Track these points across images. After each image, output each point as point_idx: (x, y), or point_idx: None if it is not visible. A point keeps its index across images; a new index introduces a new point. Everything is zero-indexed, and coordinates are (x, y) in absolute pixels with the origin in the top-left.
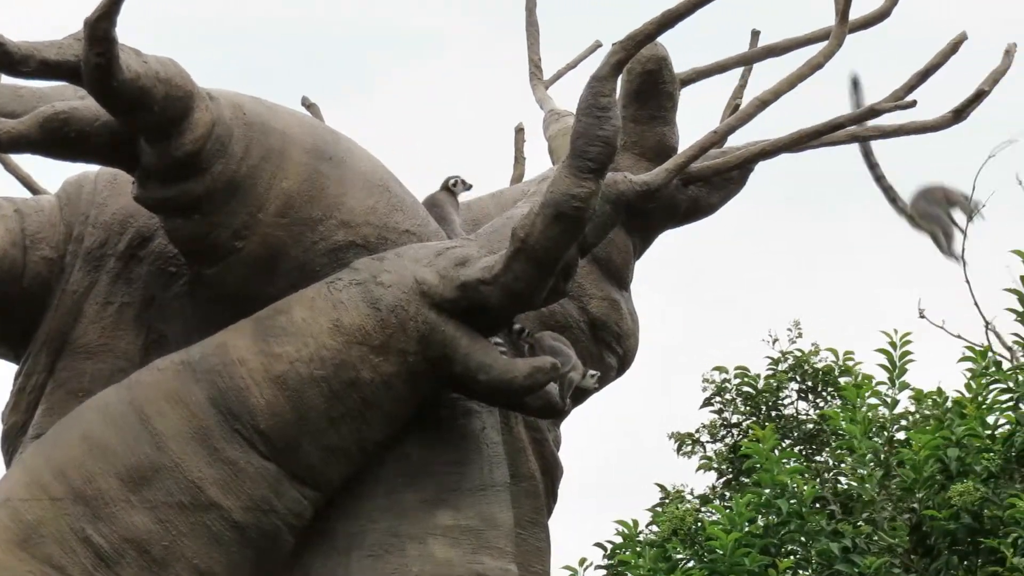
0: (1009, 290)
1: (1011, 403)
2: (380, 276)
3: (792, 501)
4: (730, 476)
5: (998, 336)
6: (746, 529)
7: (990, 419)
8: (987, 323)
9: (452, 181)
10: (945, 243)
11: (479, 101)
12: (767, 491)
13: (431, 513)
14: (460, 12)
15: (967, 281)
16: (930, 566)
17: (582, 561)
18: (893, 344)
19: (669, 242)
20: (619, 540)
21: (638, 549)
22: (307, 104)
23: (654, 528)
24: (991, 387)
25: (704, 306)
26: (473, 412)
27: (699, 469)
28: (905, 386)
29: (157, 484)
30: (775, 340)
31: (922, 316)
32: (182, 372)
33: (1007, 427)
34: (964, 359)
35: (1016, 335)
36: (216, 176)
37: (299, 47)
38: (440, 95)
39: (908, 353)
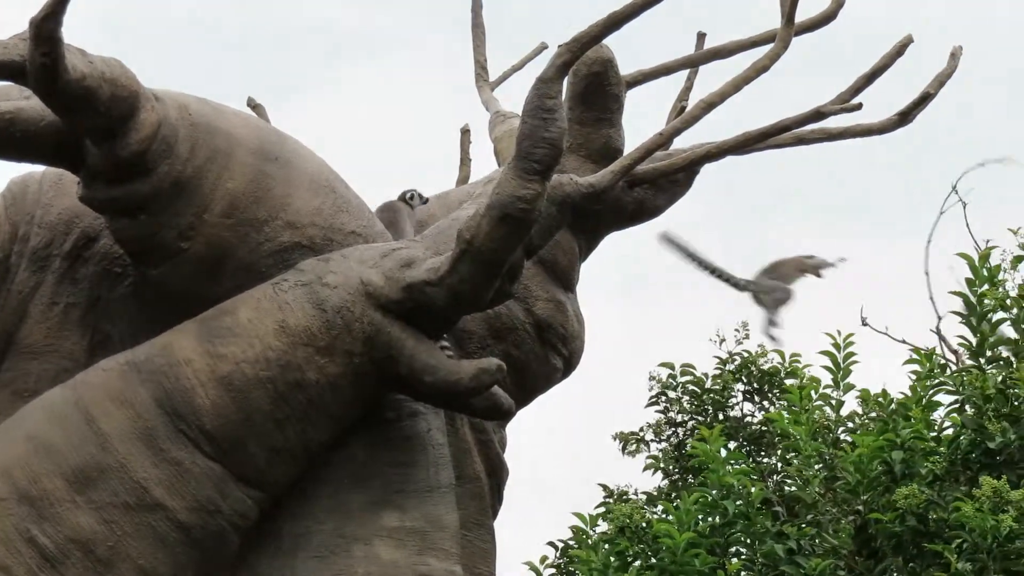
0: (955, 293)
1: (956, 406)
2: (326, 277)
3: (739, 502)
4: (676, 476)
5: (943, 339)
6: (695, 529)
7: (935, 421)
8: (937, 325)
9: (408, 194)
10: (770, 319)
11: (424, 102)
12: (714, 492)
13: (377, 514)
14: (402, 13)
15: (926, 274)
16: (874, 568)
17: (543, 559)
18: (837, 346)
19: (616, 241)
20: (571, 540)
21: (590, 543)
22: (253, 105)
23: (605, 526)
24: (936, 389)
25: (650, 307)
26: (419, 413)
27: (646, 469)
28: (850, 388)
29: (102, 484)
30: (722, 341)
31: (864, 324)
32: (127, 373)
33: (952, 430)
34: (909, 361)
35: (961, 337)
36: (162, 176)
37: (240, 48)
38: (384, 96)
39: (852, 355)
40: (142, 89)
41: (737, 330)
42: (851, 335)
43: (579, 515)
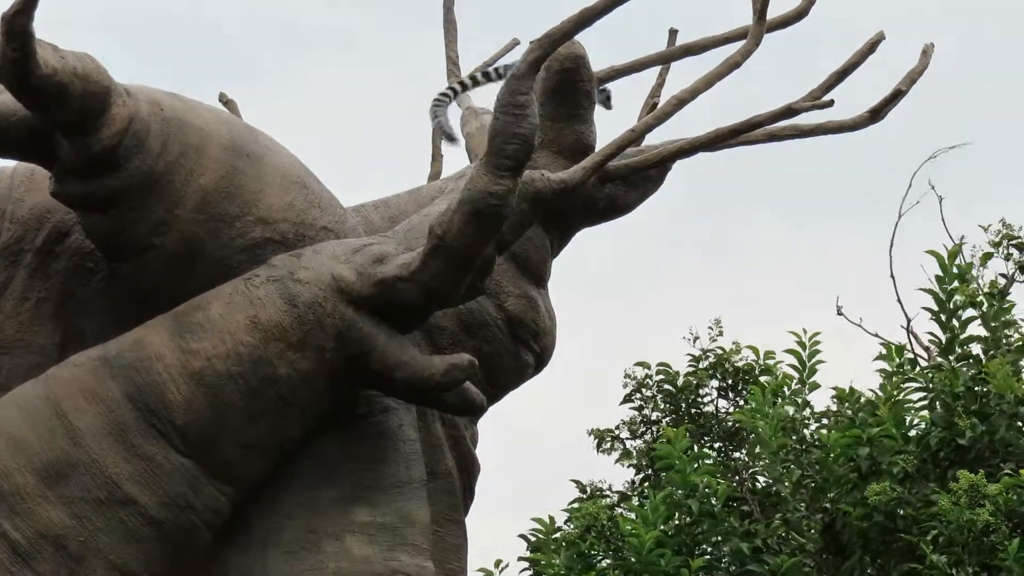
0: (924, 290)
1: (926, 403)
2: (297, 273)
3: (704, 501)
4: (649, 473)
5: (914, 336)
6: (660, 528)
7: (905, 419)
8: (908, 321)
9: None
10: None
11: (396, 97)
12: (679, 492)
13: (348, 510)
14: (374, 6)
15: (892, 277)
16: (842, 565)
17: (497, 563)
18: (802, 344)
19: (588, 238)
20: (538, 532)
21: (553, 547)
22: (224, 100)
23: (571, 526)
24: (905, 386)
25: (625, 303)
26: (390, 409)
27: (617, 462)
28: (815, 386)
29: (74, 480)
30: (696, 338)
31: (839, 313)
32: (99, 368)
33: (922, 427)
34: (879, 358)
35: (931, 334)
36: (133, 172)
37: (206, 43)
38: (355, 91)
39: (817, 352)
40: (114, 84)
41: (711, 327)
42: (817, 334)
43: (539, 520)
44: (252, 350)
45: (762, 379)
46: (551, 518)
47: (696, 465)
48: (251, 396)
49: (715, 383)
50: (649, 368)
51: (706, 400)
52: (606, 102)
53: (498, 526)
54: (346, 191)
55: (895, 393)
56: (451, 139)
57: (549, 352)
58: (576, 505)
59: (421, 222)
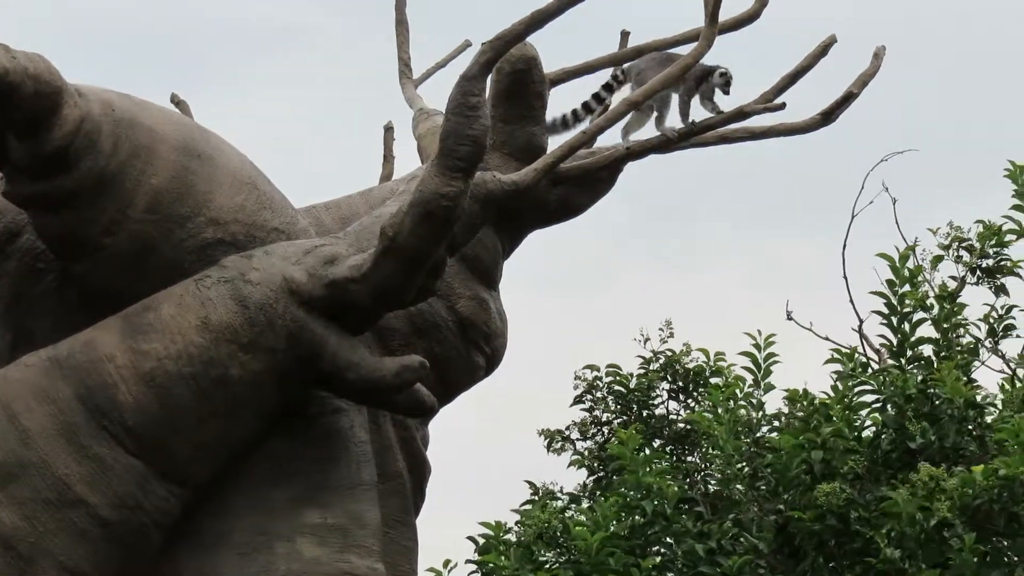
0: (876, 293)
1: (878, 405)
2: (248, 274)
3: (657, 502)
4: (600, 475)
5: (865, 339)
6: (611, 529)
7: (857, 421)
8: (860, 324)
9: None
10: None
11: (347, 99)
12: (632, 492)
13: (299, 511)
14: (324, 7)
15: (845, 278)
16: (796, 567)
17: (446, 563)
18: (757, 346)
19: (539, 239)
20: (488, 533)
21: (502, 548)
22: (176, 101)
23: (520, 528)
24: (857, 389)
25: (575, 304)
26: (341, 410)
27: (570, 466)
28: (770, 387)
29: (24, 481)
30: (646, 339)
31: (790, 318)
32: (50, 369)
33: (873, 429)
34: (831, 360)
35: (883, 337)
36: (85, 172)
37: (154, 42)
38: (306, 92)
39: (773, 355)
40: (65, 85)
41: (661, 329)
42: (772, 335)
43: (486, 524)
44: (203, 351)
45: (713, 381)
46: (498, 523)
47: (649, 468)
48: (202, 397)
49: (666, 385)
50: (599, 370)
51: (657, 402)
52: (725, 87)
53: (449, 527)
54: (297, 192)
55: (847, 394)
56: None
57: (500, 354)
58: (528, 507)
59: (372, 223)
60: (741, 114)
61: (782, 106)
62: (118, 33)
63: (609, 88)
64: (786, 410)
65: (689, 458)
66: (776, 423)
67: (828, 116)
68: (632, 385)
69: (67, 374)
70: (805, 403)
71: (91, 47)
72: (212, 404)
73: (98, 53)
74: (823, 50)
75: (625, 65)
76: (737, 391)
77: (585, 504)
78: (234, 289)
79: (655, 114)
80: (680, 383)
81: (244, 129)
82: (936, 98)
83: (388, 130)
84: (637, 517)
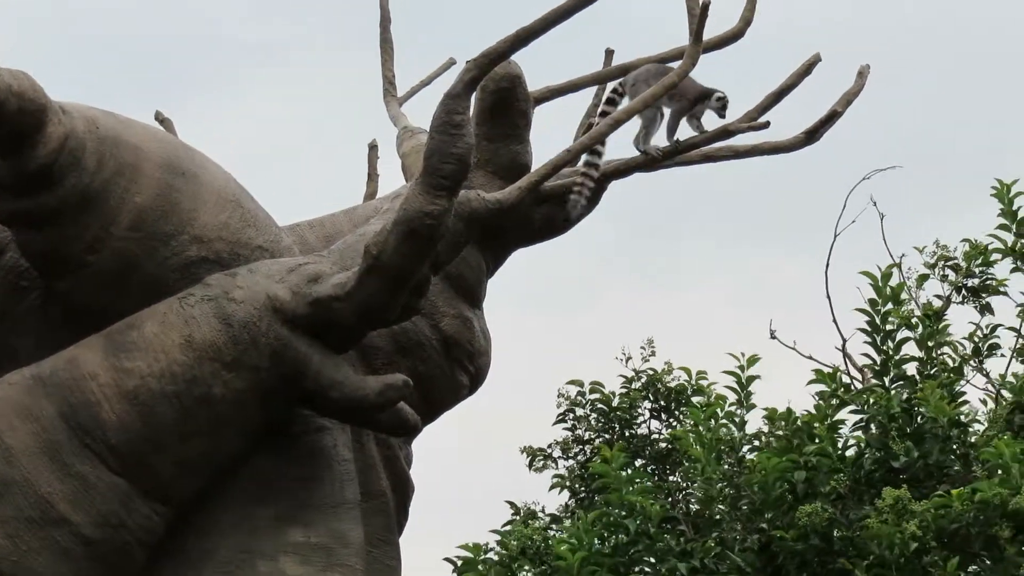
0: (859, 310)
1: (861, 424)
2: (232, 292)
3: (640, 521)
4: (583, 495)
5: (849, 358)
6: (595, 548)
7: (839, 441)
8: (843, 343)
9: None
10: None
11: (332, 117)
12: (616, 511)
13: (282, 530)
14: (309, 26)
15: (828, 297)
16: None
17: None
18: (741, 366)
19: (522, 257)
20: (466, 554)
21: (480, 568)
22: (161, 118)
23: (500, 549)
24: (841, 408)
25: (559, 322)
26: (325, 429)
27: (552, 488)
28: (753, 407)
29: (7, 499)
30: (628, 358)
31: (773, 337)
32: (33, 387)
33: (856, 448)
34: (814, 380)
35: (867, 356)
36: (69, 190)
37: (138, 60)
38: (291, 111)
39: (755, 377)
40: (50, 102)
41: (643, 348)
42: (756, 355)
43: (464, 546)
44: (186, 369)
45: (695, 399)
46: (476, 545)
47: (632, 486)
48: (185, 415)
49: (648, 404)
50: (582, 386)
51: (639, 421)
52: (721, 111)
53: (431, 546)
54: (281, 210)
55: (830, 413)
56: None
57: (484, 372)
58: (508, 528)
59: (356, 241)
60: (725, 132)
61: (766, 125)
62: (101, 50)
63: (612, 103)
64: (766, 429)
65: (671, 477)
66: (756, 443)
67: (812, 135)
68: (614, 404)
69: (50, 392)
70: (788, 422)
71: (75, 64)
72: (195, 422)
73: (82, 70)
74: (807, 69)
75: (622, 79)
76: (718, 410)
77: (556, 527)
78: (218, 307)
79: (640, 132)
80: (662, 402)
81: (227, 147)
82: (920, 116)
83: (372, 148)
84: (620, 536)
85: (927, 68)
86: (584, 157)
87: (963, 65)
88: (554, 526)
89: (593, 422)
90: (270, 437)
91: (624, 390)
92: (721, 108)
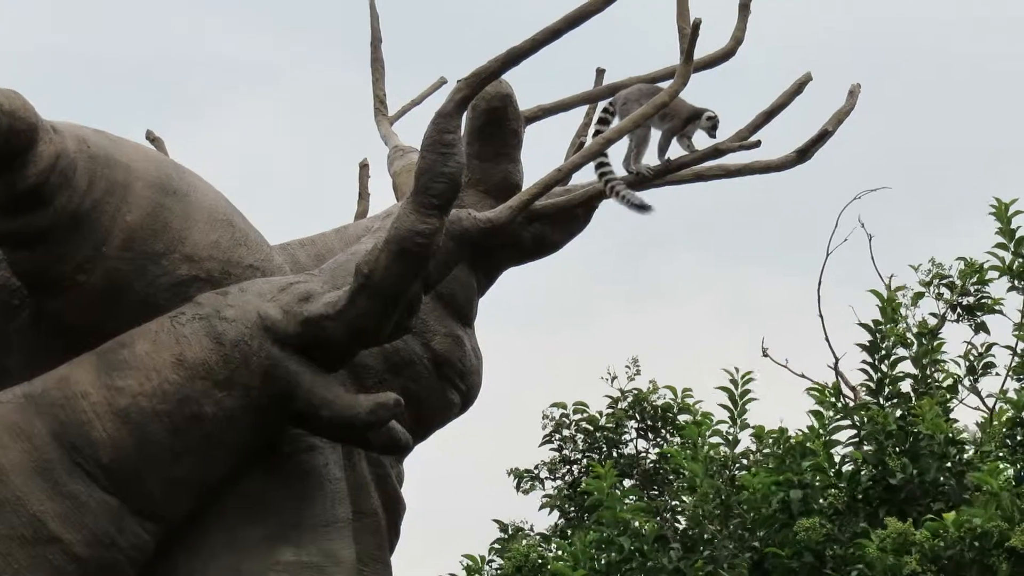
0: (862, 325)
1: (856, 441)
2: (223, 311)
3: (634, 539)
4: (572, 515)
5: (842, 376)
6: (590, 566)
7: (836, 456)
8: (836, 361)
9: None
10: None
11: (323, 136)
12: (608, 529)
13: (273, 549)
14: (301, 45)
15: (820, 315)
16: None
17: None
18: (735, 382)
19: (511, 277)
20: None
21: None
22: (152, 138)
23: (498, 563)
24: (835, 425)
25: (543, 342)
26: (316, 448)
27: (542, 508)
28: (746, 425)
29: None
30: (614, 378)
31: (765, 355)
32: (24, 405)
33: (851, 465)
34: (811, 391)
35: (863, 372)
36: (60, 209)
37: (133, 79)
38: (282, 129)
39: (748, 392)
40: (40, 121)
41: (628, 367)
42: (749, 372)
43: (470, 556)
44: (178, 388)
45: (681, 418)
46: (481, 557)
47: (624, 504)
48: (176, 434)
49: (634, 423)
50: (566, 408)
51: (626, 440)
52: (712, 130)
53: (418, 566)
54: (272, 229)
55: (825, 430)
56: (644, 208)
57: (475, 391)
58: (498, 546)
59: (348, 260)
60: (716, 152)
61: (757, 144)
62: (88, 69)
63: (604, 122)
64: (754, 447)
65: (659, 496)
66: (744, 461)
67: (803, 154)
68: (601, 423)
69: (42, 411)
70: (781, 440)
71: (64, 84)
72: (187, 441)
73: (70, 89)
74: (798, 88)
75: (612, 98)
76: (705, 428)
77: (554, 545)
78: (209, 326)
79: (630, 151)
80: (648, 421)
81: (218, 166)
82: (911, 134)
83: (363, 167)
84: (612, 554)
85: (915, 87)
86: (595, 168)
87: (953, 84)
88: (543, 544)
89: (579, 442)
90: (261, 456)
91: (610, 410)
92: (712, 128)
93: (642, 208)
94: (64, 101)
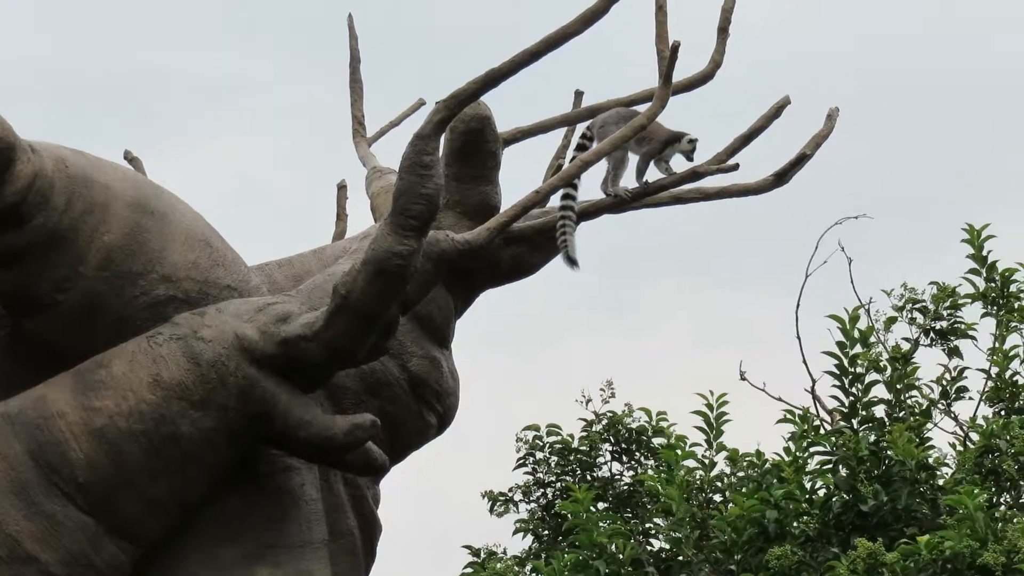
0: (828, 353)
1: (830, 466)
2: (201, 331)
3: (611, 561)
4: (545, 538)
5: (818, 399)
6: None
7: (807, 483)
8: (812, 385)
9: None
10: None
11: (300, 157)
12: (585, 551)
13: (250, 569)
14: (278, 65)
15: (798, 338)
16: None
17: None
18: (710, 406)
19: (488, 299)
20: None
21: None
22: (130, 158)
23: None
24: (810, 450)
25: (519, 363)
26: (292, 468)
27: (516, 532)
28: (722, 448)
29: None
30: (588, 400)
31: (743, 378)
32: (1, 425)
33: (824, 490)
34: (783, 420)
35: (835, 398)
36: (37, 228)
37: (110, 96)
38: (259, 150)
39: (725, 415)
40: (18, 141)
41: (603, 389)
42: (724, 395)
43: None
44: (155, 408)
45: (655, 441)
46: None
47: (600, 527)
48: (153, 454)
49: (608, 446)
50: (539, 430)
51: (600, 463)
52: (691, 153)
53: None
54: (250, 250)
55: (799, 456)
56: (572, 263)
57: (452, 412)
58: (470, 571)
59: (325, 281)
60: (695, 175)
61: (735, 167)
62: (66, 88)
63: (582, 148)
64: (728, 471)
65: (633, 519)
66: (719, 484)
67: (782, 177)
68: (575, 446)
69: (18, 430)
70: (759, 462)
71: (45, 103)
72: (163, 461)
73: (48, 109)
74: (777, 111)
75: (590, 122)
76: (678, 451)
77: (529, 567)
78: (186, 346)
79: (608, 174)
80: (623, 444)
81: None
82: (890, 158)
83: (341, 188)
84: None
85: (897, 109)
86: (560, 199)
87: (932, 110)
88: (518, 567)
89: (553, 465)
90: (238, 476)
91: (584, 432)
92: (691, 151)
93: (571, 263)
94: (40, 121)
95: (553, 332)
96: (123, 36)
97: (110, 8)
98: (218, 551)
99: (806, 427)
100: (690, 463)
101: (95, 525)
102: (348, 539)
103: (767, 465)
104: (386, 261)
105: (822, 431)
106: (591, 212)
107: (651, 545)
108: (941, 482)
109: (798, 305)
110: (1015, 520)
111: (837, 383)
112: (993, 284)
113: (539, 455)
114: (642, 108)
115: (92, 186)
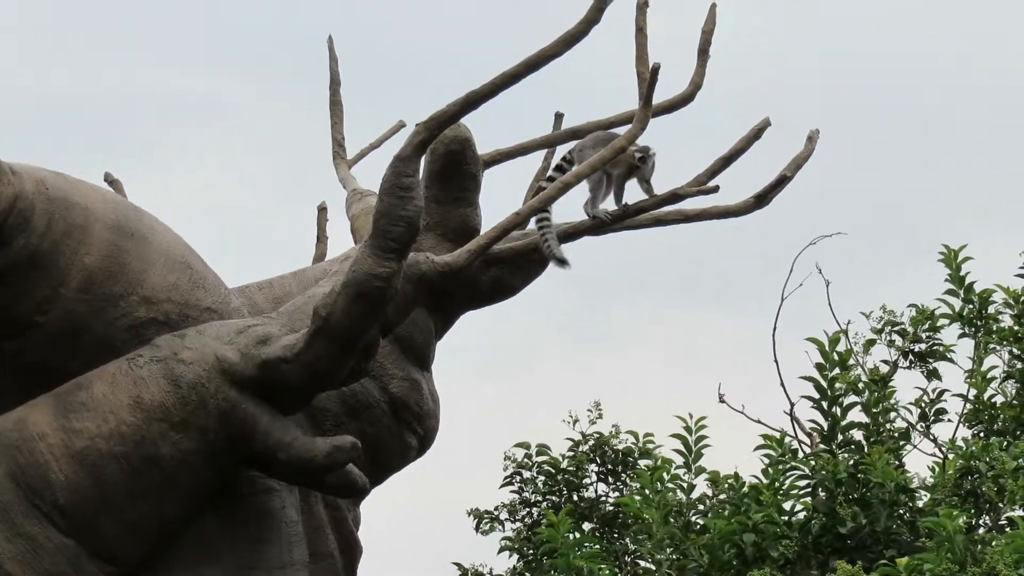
0: (805, 377)
1: (808, 490)
2: (181, 353)
3: None
4: (531, 557)
5: (797, 422)
6: None
7: (787, 505)
8: (791, 407)
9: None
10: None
11: (281, 179)
12: (564, 575)
13: None
14: (259, 87)
15: (776, 361)
16: None
17: None
18: (688, 429)
19: (471, 320)
20: None
21: None
22: (110, 180)
23: None
24: (788, 473)
25: (504, 385)
26: (273, 490)
27: (501, 551)
28: (701, 470)
29: None
30: (575, 421)
31: (722, 401)
32: None
33: (803, 514)
34: (762, 446)
35: (813, 421)
36: (18, 250)
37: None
38: (240, 173)
39: (704, 438)
40: None
41: (590, 410)
42: (703, 418)
43: None
44: (135, 430)
45: (642, 463)
46: None
47: (579, 551)
48: (133, 476)
49: (595, 467)
50: (529, 448)
51: (586, 484)
52: (642, 161)
53: None
54: (230, 272)
55: (778, 479)
56: (562, 263)
57: (433, 434)
58: None
59: (305, 303)
60: (675, 196)
61: (716, 189)
62: (44, 109)
63: (561, 170)
64: (710, 492)
65: (619, 540)
66: (700, 507)
67: (762, 199)
68: (562, 466)
69: None
70: (736, 485)
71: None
72: (144, 483)
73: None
74: (757, 133)
75: (570, 146)
76: (665, 474)
77: None
78: (167, 368)
79: (589, 196)
80: (609, 465)
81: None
82: (868, 180)
83: (322, 210)
84: None
85: (876, 131)
86: (535, 222)
87: (910, 128)
88: None
89: (540, 485)
90: (218, 498)
91: (571, 453)
92: (642, 159)
93: (560, 263)
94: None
95: (538, 354)
96: (104, 57)
97: (91, 30)
98: (199, 572)
99: (783, 451)
100: (670, 485)
101: (76, 547)
102: (329, 561)
103: (744, 488)
104: (366, 283)
105: (800, 455)
106: (571, 234)
107: (638, 567)
108: (920, 504)
109: (775, 328)
110: (994, 543)
111: (815, 406)
112: (972, 305)
113: (526, 474)
114: (622, 130)
115: (72, 208)
